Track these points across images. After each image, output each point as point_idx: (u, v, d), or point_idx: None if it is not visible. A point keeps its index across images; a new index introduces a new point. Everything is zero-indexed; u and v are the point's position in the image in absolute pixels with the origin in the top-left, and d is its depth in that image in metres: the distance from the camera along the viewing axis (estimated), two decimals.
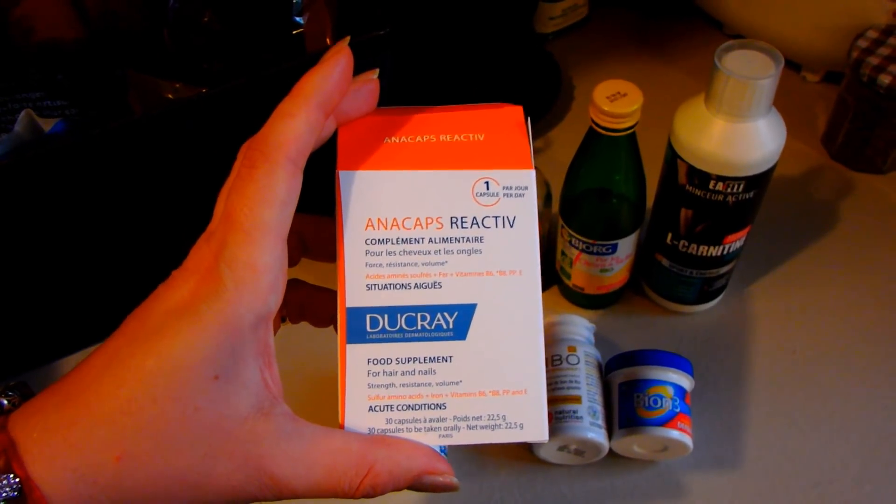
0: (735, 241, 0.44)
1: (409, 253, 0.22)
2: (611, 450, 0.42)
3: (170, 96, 0.49)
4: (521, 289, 0.23)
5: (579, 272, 0.48)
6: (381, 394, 0.22)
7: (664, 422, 0.40)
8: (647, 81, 0.66)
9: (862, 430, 0.44)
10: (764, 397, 0.46)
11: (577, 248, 0.46)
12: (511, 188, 0.23)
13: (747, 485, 0.42)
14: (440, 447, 0.23)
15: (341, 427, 0.22)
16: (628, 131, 0.39)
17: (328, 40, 0.48)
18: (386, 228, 0.22)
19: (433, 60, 0.69)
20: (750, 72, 0.36)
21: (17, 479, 0.18)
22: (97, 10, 0.50)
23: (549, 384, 0.42)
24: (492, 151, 0.23)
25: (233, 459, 0.20)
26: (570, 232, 0.46)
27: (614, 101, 0.38)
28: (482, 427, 0.22)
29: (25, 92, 0.49)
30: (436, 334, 0.22)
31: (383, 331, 0.22)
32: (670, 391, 0.41)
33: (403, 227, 0.23)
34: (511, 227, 0.23)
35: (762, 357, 0.48)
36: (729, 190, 0.40)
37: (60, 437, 0.18)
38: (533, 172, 0.24)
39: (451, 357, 0.22)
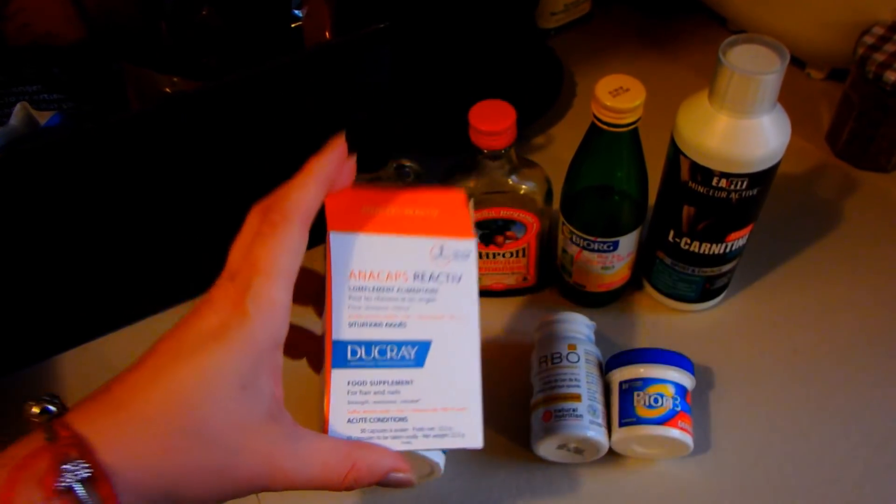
0: (738, 239, 0.44)
1: (382, 299, 0.29)
2: (610, 448, 0.42)
3: (167, 90, 0.49)
4: (464, 330, 0.30)
5: (580, 269, 0.48)
6: (357, 409, 0.28)
7: (664, 420, 0.40)
8: (650, 78, 0.65)
9: (864, 430, 0.44)
10: (766, 397, 0.46)
11: (577, 245, 0.46)
12: (458, 252, 0.30)
13: (748, 484, 0.42)
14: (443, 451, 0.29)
15: (325, 433, 0.28)
16: (631, 127, 0.39)
17: (327, 33, 0.48)
18: (365, 279, 0.29)
19: (434, 55, 0.69)
20: (755, 67, 0.36)
21: (89, 465, 0.22)
22: (95, 3, 0.50)
23: (548, 382, 0.42)
24: (444, 224, 0.30)
25: (252, 456, 0.25)
26: (571, 229, 0.46)
27: (617, 95, 0.37)
28: (434, 436, 0.29)
29: (21, 85, 0.48)
30: (400, 363, 0.29)
31: (360, 359, 0.28)
32: (671, 390, 0.40)
33: (378, 278, 0.29)
34: (458, 282, 0.30)
35: (764, 356, 0.48)
36: (732, 187, 0.39)
37: (120, 435, 0.23)
38: (474, 241, 0.31)
39: (412, 381, 0.29)
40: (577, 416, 0.40)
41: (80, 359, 0.51)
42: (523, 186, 0.44)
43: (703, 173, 0.40)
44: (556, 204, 0.47)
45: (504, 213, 0.45)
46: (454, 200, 0.31)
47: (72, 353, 0.52)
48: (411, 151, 0.60)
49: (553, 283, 0.53)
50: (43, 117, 0.46)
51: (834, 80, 0.63)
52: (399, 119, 0.62)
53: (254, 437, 0.25)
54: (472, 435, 0.29)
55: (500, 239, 0.47)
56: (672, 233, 0.45)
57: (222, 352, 0.24)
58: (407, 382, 0.29)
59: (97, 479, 0.22)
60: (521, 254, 0.48)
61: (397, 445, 0.28)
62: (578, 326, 0.45)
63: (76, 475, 0.22)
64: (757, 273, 0.52)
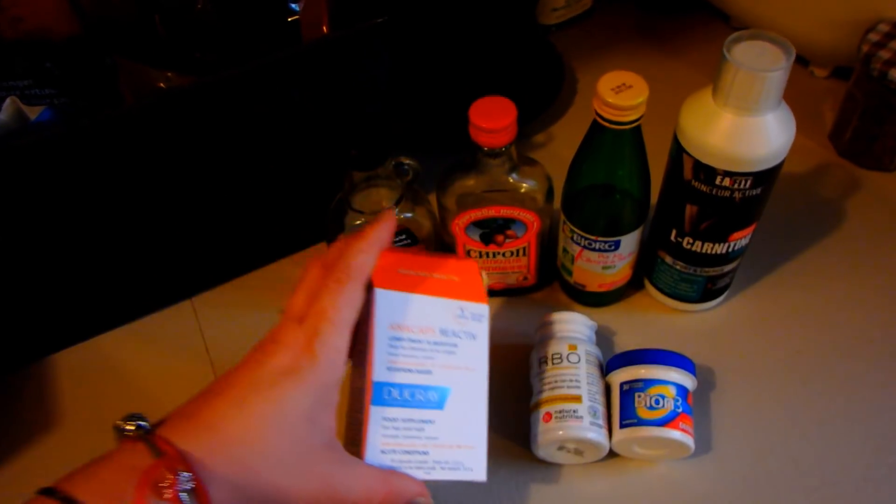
0: (741, 238, 0.43)
1: (415, 349, 0.34)
2: (611, 449, 0.41)
3: (162, 85, 0.48)
4: (477, 380, 0.35)
5: (581, 269, 0.47)
6: (389, 441, 0.32)
7: (665, 422, 0.39)
8: (652, 75, 0.64)
9: (866, 432, 0.44)
10: (767, 397, 0.45)
11: (578, 244, 0.45)
12: (475, 315, 0.36)
13: (749, 486, 0.42)
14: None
15: (362, 459, 0.32)
16: (633, 124, 0.38)
17: (324, 28, 0.47)
18: (402, 331, 0.34)
19: (433, 51, 0.68)
20: (760, 64, 0.35)
21: (193, 478, 0.26)
22: None
23: (549, 383, 0.41)
24: (464, 289, 0.36)
25: (315, 479, 0.29)
26: (572, 228, 0.45)
27: (619, 92, 0.37)
28: (449, 469, 0.34)
29: (13, 80, 0.47)
30: (426, 405, 0.34)
31: (395, 399, 0.33)
32: (672, 391, 0.40)
33: (412, 331, 0.34)
34: (474, 339, 0.36)
35: (766, 357, 0.47)
36: (736, 186, 0.39)
37: (212, 455, 0.27)
38: (487, 307, 0.37)
39: (434, 420, 0.34)
40: (577, 417, 0.39)
41: (75, 358, 0.51)
42: (524, 185, 0.44)
43: (706, 172, 0.39)
44: (557, 202, 0.46)
45: (504, 211, 0.44)
46: (470, 269, 0.37)
47: (66, 352, 0.51)
48: (410, 149, 0.59)
49: (554, 282, 0.52)
50: (33, 112, 0.45)
51: (838, 77, 0.63)
52: (397, 116, 0.61)
53: (316, 462, 0.29)
54: (478, 470, 0.35)
55: (500, 238, 0.46)
56: (674, 232, 0.44)
57: (294, 388, 0.29)
58: (430, 422, 0.34)
59: (198, 491, 0.26)
60: (521, 253, 0.48)
61: (420, 475, 0.33)
62: (579, 326, 0.45)
63: (184, 486, 0.26)
64: (759, 273, 0.52)
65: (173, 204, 0.47)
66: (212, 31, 0.50)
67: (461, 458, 0.34)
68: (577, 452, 0.41)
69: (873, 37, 0.52)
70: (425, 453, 0.33)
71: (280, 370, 0.29)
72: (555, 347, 0.43)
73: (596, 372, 0.42)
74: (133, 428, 0.28)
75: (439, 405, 0.34)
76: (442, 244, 0.49)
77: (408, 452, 0.33)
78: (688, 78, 0.64)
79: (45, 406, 0.48)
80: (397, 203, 0.44)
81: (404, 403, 0.33)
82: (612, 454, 0.42)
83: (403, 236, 0.45)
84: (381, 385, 0.33)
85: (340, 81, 0.45)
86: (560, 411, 0.40)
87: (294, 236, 0.55)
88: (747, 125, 0.37)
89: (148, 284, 0.51)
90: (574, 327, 0.44)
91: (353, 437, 0.33)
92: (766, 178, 0.39)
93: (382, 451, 0.32)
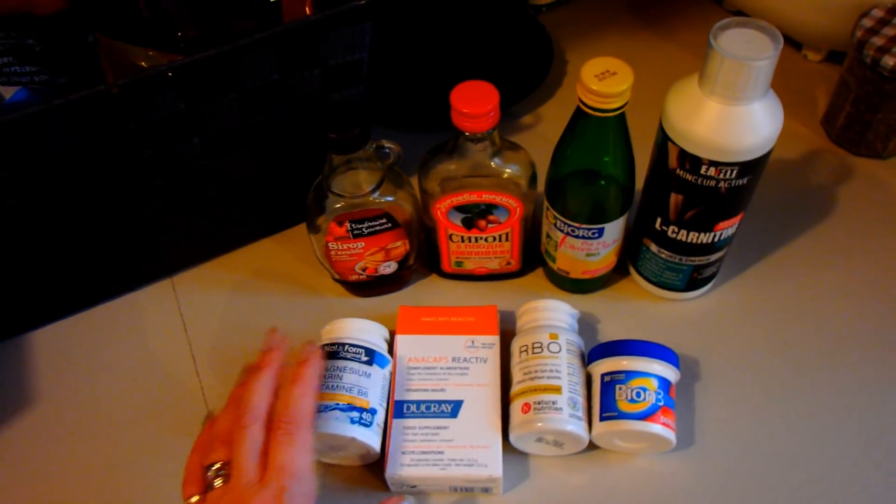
0: (727, 228, 0.43)
1: (429, 375, 0.44)
2: (591, 442, 0.42)
3: (143, 63, 0.48)
4: (490, 392, 0.43)
5: (564, 256, 0.48)
6: (408, 444, 0.41)
7: (646, 416, 0.39)
8: (644, 57, 0.65)
9: (852, 426, 0.44)
10: (753, 390, 0.46)
11: (562, 231, 0.46)
12: (485, 344, 0.45)
13: (732, 480, 0.42)
14: None
15: (384, 466, 0.41)
16: (617, 112, 0.38)
17: (307, 8, 0.47)
18: (417, 362, 0.45)
19: (419, 30, 0.67)
20: (747, 52, 0.35)
21: None
22: None
23: (528, 372, 0.42)
24: (477, 326, 0.46)
25: None
26: (555, 214, 0.45)
27: (603, 79, 0.36)
28: (464, 465, 0.41)
29: None
30: (440, 415, 0.42)
31: (412, 412, 0.43)
32: (654, 384, 0.40)
33: (426, 361, 0.45)
34: (485, 362, 0.44)
35: (752, 348, 0.48)
36: (721, 176, 0.39)
37: None
38: (497, 336, 0.46)
39: (448, 427, 0.42)
40: (556, 408, 0.40)
41: (52, 336, 0.51)
42: (507, 170, 0.44)
43: (691, 161, 0.39)
44: (541, 187, 0.46)
45: (486, 196, 0.44)
46: (488, 312, 0.47)
47: (43, 330, 0.51)
48: (398, 126, 0.59)
49: (538, 267, 0.52)
50: (7, 92, 0.45)
51: (832, 62, 0.62)
52: (384, 93, 0.61)
53: None
54: (493, 466, 0.40)
55: (482, 223, 0.46)
56: (659, 220, 0.44)
57: None
58: (444, 428, 0.42)
59: None
60: (504, 238, 0.48)
61: (436, 471, 0.40)
62: (561, 315, 0.45)
63: None
64: (747, 262, 0.52)
65: (154, 182, 0.46)
66: (194, 10, 0.49)
67: (476, 456, 0.40)
68: (557, 444, 0.42)
69: (867, 22, 0.51)
70: (440, 453, 0.41)
71: None
72: (535, 336, 0.43)
73: (577, 362, 0.43)
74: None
75: (453, 414, 0.42)
76: (424, 228, 0.49)
77: (424, 453, 0.41)
78: (680, 61, 0.64)
79: (22, 384, 0.49)
80: (378, 186, 0.44)
81: (420, 415, 0.42)
82: (592, 446, 0.42)
83: (384, 220, 0.45)
84: (400, 403, 0.43)
85: (322, 63, 0.45)
86: (539, 402, 0.40)
87: (275, 216, 0.55)
88: (733, 114, 0.37)
89: (127, 263, 0.51)
90: (555, 315, 0.45)
91: None
92: (752, 168, 0.39)
93: (403, 452, 0.41)
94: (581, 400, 0.41)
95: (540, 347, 0.42)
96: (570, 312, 0.45)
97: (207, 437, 0.37)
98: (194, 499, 0.34)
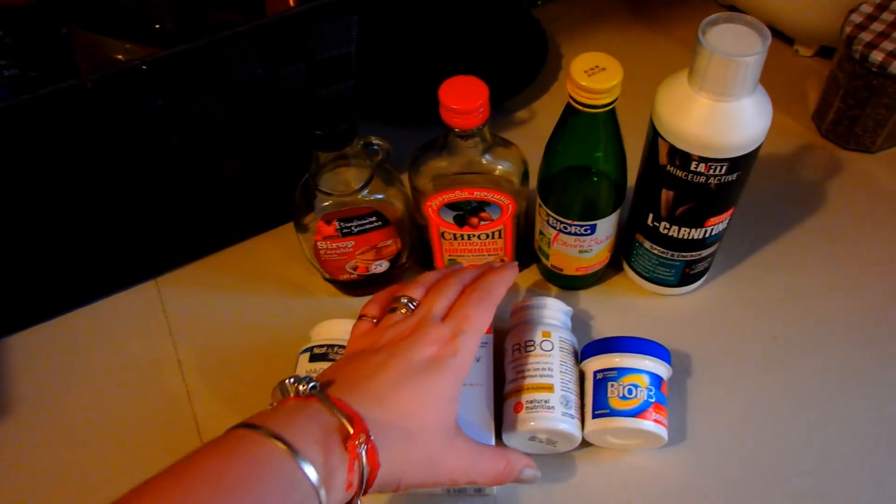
0: (717, 223, 0.44)
1: None
2: (585, 439, 0.42)
3: (120, 57, 0.47)
4: (483, 391, 0.43)
5: (557, 252, 0.48)
6: None
7: (638, 413, 0.40)
8: (639, 51, 0.65)
9: (843, 420, 0.45)
10: (744, 385, 0.47)
11: (554, 227, 0.46)
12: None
13: (724, 475, 0.43)
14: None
15: None
16: (607, 108, 0.38)
17: (291, 1, 0.47)
18: None
19: (412, 23, 0.67)
20: (735, 48, 0.35)
21: (367, 437, 0.31)
22: None
23: (520, 370, 0.42)
24: None
25: (452, 452, 0.35)
26: (548, 211, 0.46)
27: (592, 75, 0.37)
28: None
29: None
30: None
31: None
32: (646, 380, 0.41)
33: None
34: (477, 361, 0.44)
35: (744, 343, 0.48)
36: (711, 172, 0.40)
37: (376, 422, 0.32)
38: (490, 335, 0.45)
39: None
40: (549, 407, 0.40)
41: (34, 340, 0.51)
42: (498, 167, 0.44)
43: (681, 157, 0.40)
44: (533, 184, 0.46)
45: (478, 194, 0.45)
46: None
47: (24, 333, 0.51)
48: (390, 121, 0.59)
49: (532, 264, 0.53)
50: None
51: (823, 57, 0.63)
52: (376, 87, 0.61)
53: (455, 438, 0.36)
54: None
55: (474, 221, 0.47)
56: (651, 216, 0.45)
57: (440, 376, 0.35)
58: None
59: (370, 453, 0.31)
60: (497, 235, 0.48)
61: None
62: (554, 312, 0.45)
63: (362, 447, 0.30)
64: (738, 256, 0.53)
65: (136, 181, 0.46)
66: (173, 1, 0.49)
67: None
68: (550, 442, 0.42)
69: (856, 18, 0.52)
70: None
71: (428, 359, 0.35)
72: (528, 334, 0.43)
73: (570, 360, 0.43)
74: (305, 388, 0.32)
75: None
76: (415, 226, 0.49)
77: None
78: (676, 55, 0.65)
79: (2, 389, 0.48)
80: (366, 184, 0.44)
81: None
82: (585, 443, 0.43)
83: (374, 218, 0.46)
84: None
85: (307, 57, 0.45)
86: (531, 401, 0.41)
87: (262, 215, 0.55)
88: (722, 110, 0.37)
89: (111, 264, 0.51)
90: (548, 313, 0.45)
91: None
92: (742, 163, 0.40)
93: None
94: (574, 398, 0.42)
95: (532, 346, 0.43)
96: (564, 310, 0.46)
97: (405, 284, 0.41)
98: (368, 317, 0.39)
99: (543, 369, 0.42)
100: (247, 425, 0.30)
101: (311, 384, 0.32)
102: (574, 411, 0.41)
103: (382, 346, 0.36)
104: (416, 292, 0.39)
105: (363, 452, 0.30)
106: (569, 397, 0.41)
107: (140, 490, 0.27)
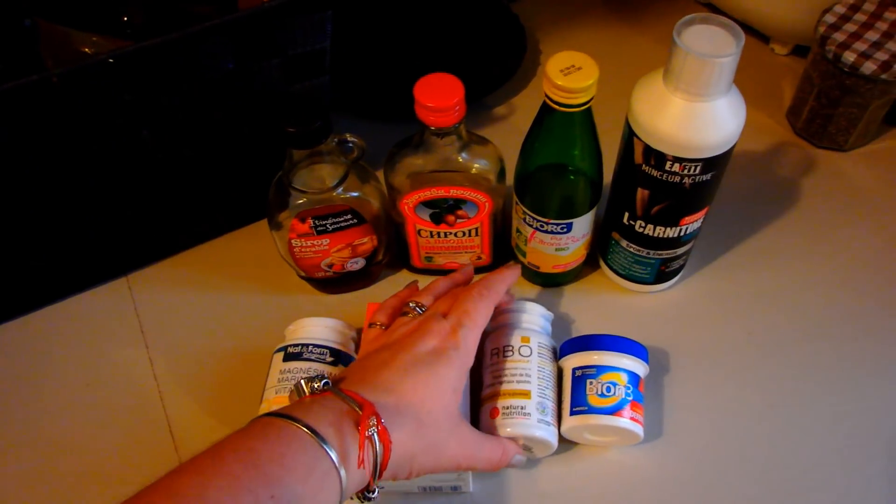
0: (692, 222, 0.45)
1: None
2: (562, 435, 0.42)
3: (87, 50, 0.46)
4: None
5: (534, 251, 0.48)
6: None
7: (615, 410, 0.41)
8: (617, 48, 0.66)
9: (818, 416, 0.46)
10: (720, 381, 0.47)
11: (531, 226, 0.46)
12: None
13: (700, 471, 0.44)
14: None
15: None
16: (583, 107, 0.39)
17: None
18: None
19: (389, 17, 0.67)
20: (710, 49, 0.36)
21: (378, 424, 0.33)
22: None
23: (498, 375, 0.42)
24: None
25: (457, 439, 0.37)
26: (525, 209, 0.46)
27: (568, 74, 0.37)
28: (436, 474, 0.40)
29: None
30: None
31: None
32: (624, 378, 0.41)
33: None
34: None
35: (720, 339, 0.49)
36: (686, 171, 0.40)
37: (386, 408, 0.34)
38: None
39: None
40: (525, 413, 0.40)
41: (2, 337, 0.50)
42: (475, 165, 0.44)
43: (656, 157, 0.40)
44: (510, 180, 0.47)
45: (454, 192, 0.45)
46: None
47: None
48: (367, 117, 0.59)
49: (510, 262, 0.53)
50: None
51: (798, 55, 0.64)
52: (353, 83, 0.60)
53: (459, 426, 0.38)
54: (463, 476, 0.41)
55: (450, 218, 0.47)
56: (627, 215, 0.45)
57: (444, 366, 0.37)
58: None
59: (381, 434, 0.33)
60: (473, 233, 0.48)
61: (408, 479, 0.39)
62: (533, 317, 0.45)
63: (373, 429, 0.32)
64: (713, 254, 0.53)
65: (105, 176, 0.45)
66: None
67: None
68: (526, 449, 0.42)
69: (829, 18, 0.53)
70: None
71: (431, 351, 0.37)
72: (506, 339, 0.43)
73: (548, 365, 0.43)
74: (320, 385, 0.34)
75: None
76: (392, 223, 0.49)
77: None
78: (653, 53, 0.65)
79: None
80: (341, 181, 0.44)
81: None
82: (562, 440, 0.43)
83: (349, 216, 0.45)
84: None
85: (281, 53, 0.44)
86: (507, 407, 0.41)
87: (234, 213, 0.54)
88: (697, 111, 0.38)
89: (80, 260, 0.50)
90: (528, 318, 0.45)
91: None
92: (716, 163, 0.40)
93: None
94: (551, 404, 0.42)
95: (511, 351, 0.43)
96: (544, 314, 0.46)
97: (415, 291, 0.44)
98: (377, 324, 0.41)
99: (521, 375, 0.42)
100: (270, 414, 0.32)
101: (325, 381, 0.35)
102: (550, 418, 0.41)
103: (390, 344, 0.38)
104: (426, 299, 0.42)
105: (375, 434, 0.32)
106: (545, 404, 0.41)
107: (180, 469, 0.29)
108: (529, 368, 0.42)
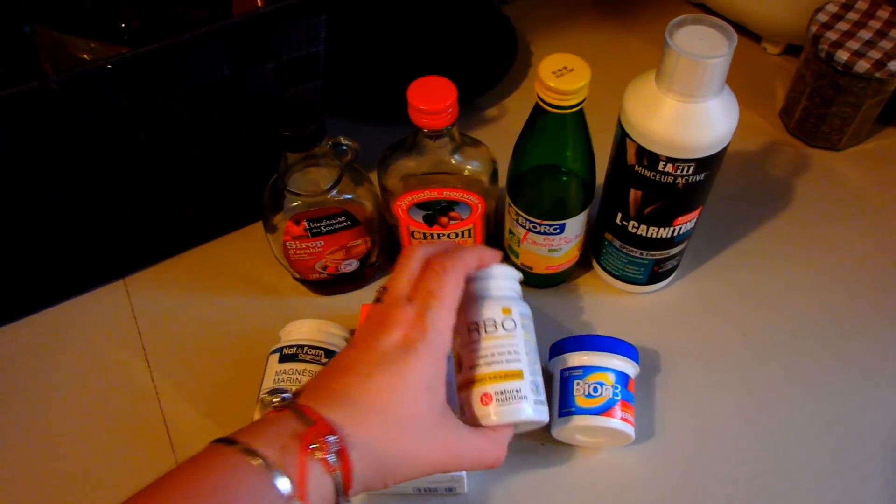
0: (685, 222, 0.45)
1: None
2: (553, 437, 0.43)
3: (85, 56, 0.47)
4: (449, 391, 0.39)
5: (527, 252, 0.49)
6: None
7: (603, 411, 0.41)
8: (609, 50, 0.66)
9: (809, 416, 0.46)
10: (712, 382, 0.47)
11: (524, 227, 0.46)
12: None
13: (691, 472, 0.44)
14: None
15: None
16: (575, 108, 0.39)
17: (259, 0, 0.46)
18: None
19: (380, 21, 0.67)
20: (702, 50, 0.36)
21: (338, 440, 0.30)
22: None
23: (484, 356, 0.37)
24: None
25: (439, 441, 0.33)
26: (517, 211, 0.46)
27: (560, 76, 0.37)
28: None
29: None
30: None
31: None
32: (611, 378, 0.42)
33: None
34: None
35: (712, 340, 0.49)
36: (679, 172, 0.40)
37: (349, 421, 0.31)
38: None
39: None
40: (521, 397, 0.36)
41: None
42: (467, 167, 0.44)
43: (649, 157, 0.40)
44: (502, 181, 0.47)
45: (447, 193, 0.45)
46: None
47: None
48: (360, 118, 0.59)
49: (503, 262, 0.53)
50: None
51: (790, 55, 0.64)
52: (346, 85, 0.61)
53: (437, 427, 0.33)
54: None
55: (443, 220, 0.47)
56: (619, 216, 0.46)
57: (413, 361, 0.33)
58: None
59: (341, 454, 0.30)
60: (466, 234, 0.48)
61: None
62: (508, 282, 0.39)
63: (332, 449, 0.30)
64: (707, 254, 0.53)
65: (103, 180, 0.46)
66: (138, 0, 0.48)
67: None
68: (517, 429, 0.38)
69: (822, 17, 0.53)
70: None
71: (396, 345, 0.33)
72: (487, 312, 0.37)
73: (531, 336, 0.38)
74: (278, 400, 0.32)
75: None
76: (385, 225, 0.49)
77: None
78: (645, 54, 0.65)
79: None
80: (335, 184, 0.44)
81: None
82: (555, 441, 0.43)
83: (343, 218, 0.46)
84: None
85: (275, 58, 0.45)
86: (501, 392, 0.36)
87: (232, 214, 0.54)
88: (689, 111, 0.38)
89: (78, 264, 0.50)
90: (503, 284, 0.39)
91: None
92: (708, 164, 0.40)
93: None
94: (540, 380, 0.38)
95: (493, 325, 0.37)
96: (515, 276, 0.40)
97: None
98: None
99: (510, 353, 0.36)
100: (222, 440, 0.30)
101: (284, 395, 0.32)
102: (543, 396, 0.37)
103: (355, 341, 0.35)
104: (398, 280, 0.36)
105: (334, 454, 0.30)
106: (537, 381, 0.37)
107: None
108: (517, 344, 0.37)
